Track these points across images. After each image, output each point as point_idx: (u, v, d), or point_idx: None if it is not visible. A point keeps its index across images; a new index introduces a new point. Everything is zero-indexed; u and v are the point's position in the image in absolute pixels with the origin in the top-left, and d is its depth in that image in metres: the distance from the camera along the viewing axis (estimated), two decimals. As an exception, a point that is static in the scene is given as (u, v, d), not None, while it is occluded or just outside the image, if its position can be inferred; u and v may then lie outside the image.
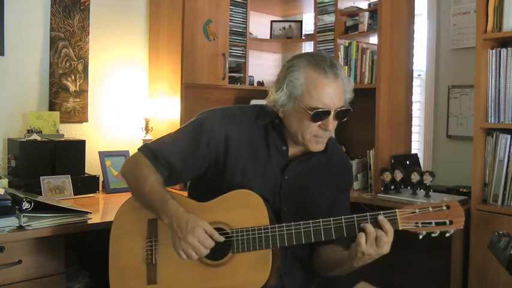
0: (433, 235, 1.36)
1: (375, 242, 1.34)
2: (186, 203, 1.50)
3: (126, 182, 1.61)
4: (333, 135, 3.07)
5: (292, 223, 1.43)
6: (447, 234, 1.36)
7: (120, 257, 1.58)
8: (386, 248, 1.36)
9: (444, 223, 1.35)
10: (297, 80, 1.46)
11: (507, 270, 1.58)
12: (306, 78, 1.46)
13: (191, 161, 1.56)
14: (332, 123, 1.48)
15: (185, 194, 1.66)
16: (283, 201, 1.57)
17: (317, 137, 1.51)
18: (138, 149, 1.61)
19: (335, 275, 1.55)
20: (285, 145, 1.58)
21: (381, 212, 1.38)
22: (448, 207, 1.36)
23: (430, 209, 1.36)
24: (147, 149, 1.58)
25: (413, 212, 1.36)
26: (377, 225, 1.36)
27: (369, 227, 1.35)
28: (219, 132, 1.55)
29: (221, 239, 1.43)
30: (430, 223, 1.35)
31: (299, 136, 1.52)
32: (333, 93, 1.46)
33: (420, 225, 1.35)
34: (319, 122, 1.48)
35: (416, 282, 2.76)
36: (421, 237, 1.36)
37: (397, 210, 1.37)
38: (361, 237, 1.34)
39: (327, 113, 1.46)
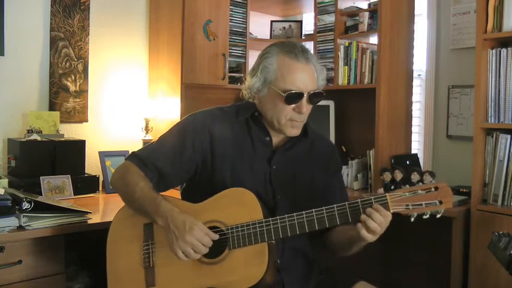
0: (424, 217, 1.39)
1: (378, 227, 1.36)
2: (179, 205, 1.51)
3: (116, 191, 1.62)
4: (331, 134, 3.13)
5: (286, 215, 1.44)
6: (438, 215, 1.40)
7: (117, 262, 1.58)
8: (389, 220, 1.39)
9: (434, 203, 1.38)
10: (270, 66, 1.53)
11: (507, 270, 1.59)
12: (279, 63, 1.52)
13: (179, 165, 1.57)
14: (305, 106, 1.53)
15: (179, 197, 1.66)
16: (276, 190, 1.59)
17: (292, 120, 1.55)
18: (125, 159, 1.63)
19: (353, 253, 1.56)
20: (268, 136, 1.61)
21: (372, 197, 1.40)
22: (436, 188, 1.39)
23: (420, 191, 1.39)
24: (135, 156, 1.61)
25: (403, 195, 1.39)
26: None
27: (371, 223, 1.36)
28: (203, 133, 1.58)
29: (216, 236, 1.43)
30: (420, 204, 1.38)
31: (275, 121, 1.56)
32: (305, 76, 1.52)
33: (411, 207, 1.38)
34: (293, 105, 1.52)
35: (416, 282, 2.76)
36: (412, 219, 1.39)
37: (387, 194, 1.40)
38: (362, 230, 1.36)
39: (300, 95, 1.51)
